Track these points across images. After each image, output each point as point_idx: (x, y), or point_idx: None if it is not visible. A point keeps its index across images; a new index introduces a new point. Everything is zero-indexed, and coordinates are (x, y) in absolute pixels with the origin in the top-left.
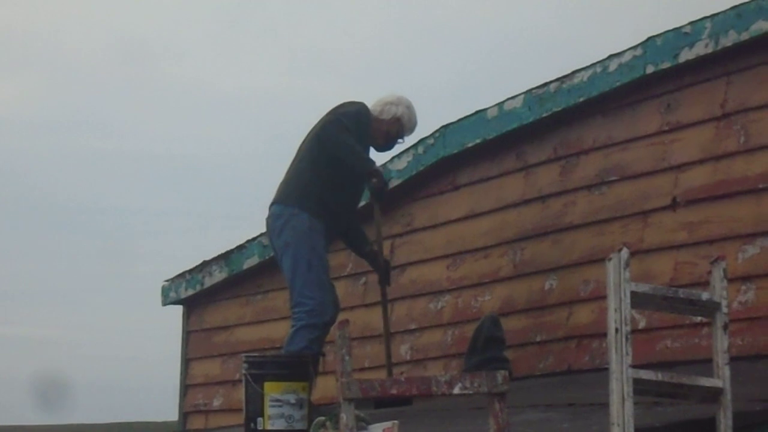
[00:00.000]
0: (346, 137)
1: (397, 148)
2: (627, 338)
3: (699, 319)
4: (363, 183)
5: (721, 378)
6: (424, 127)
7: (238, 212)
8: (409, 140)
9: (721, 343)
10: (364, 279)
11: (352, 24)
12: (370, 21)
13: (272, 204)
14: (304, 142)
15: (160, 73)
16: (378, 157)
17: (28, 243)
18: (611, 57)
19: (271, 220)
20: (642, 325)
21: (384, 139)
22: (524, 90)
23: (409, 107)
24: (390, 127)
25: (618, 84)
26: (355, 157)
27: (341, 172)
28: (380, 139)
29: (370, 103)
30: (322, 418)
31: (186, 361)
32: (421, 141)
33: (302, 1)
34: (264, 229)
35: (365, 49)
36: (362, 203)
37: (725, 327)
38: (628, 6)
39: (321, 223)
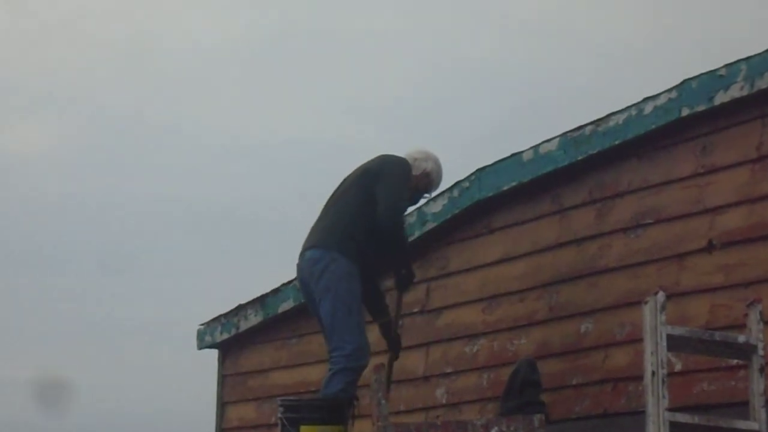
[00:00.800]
0: (402, 227)
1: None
2: (663, 381)
3: (735, 361)
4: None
5: (758, 420)
6: (462, 171)
7: (273, 256)
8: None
9: (757, 386)
10: (400, 323)
11: (384, 70)
12: (401, 66)
13: (309, 248)
14: (343, 186)
15: (196, 118)
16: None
17: (57, 286)
18: (646, 100)
19: (309, 264)
20: (678, 367)
21: (411, 194)
22: (560, 133)
23: (437, 162)
24: (419, 182)
25: (653, 127)
26: (401, 248)
27: (390, 247)
28: (409, 194)
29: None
30: None
31: (222, 405)
32: (457, 184)
33: (330, 47)
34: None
35: (397, 96)
36: None
37: (762, 369)
38: (664, 49)
39: (358, 268)
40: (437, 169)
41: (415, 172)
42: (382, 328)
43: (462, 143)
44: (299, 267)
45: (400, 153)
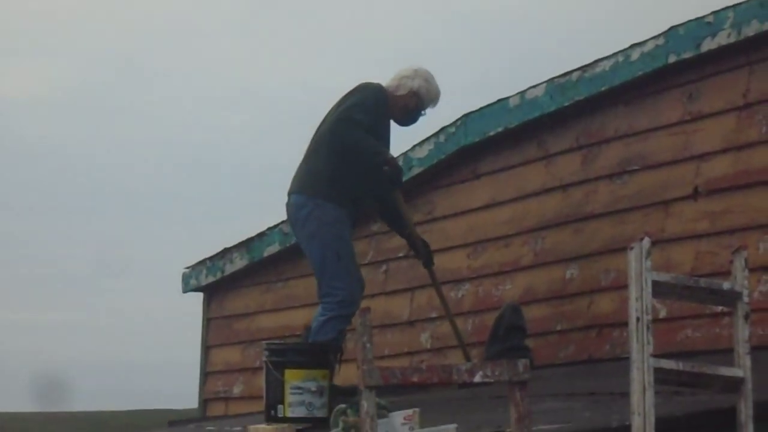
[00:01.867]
0: (355, 134)
1: (420, 131)
2: (648, 327)
3: (720, 308)
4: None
5: (742, 367)
6: (447, 116)
7: (259, 199)
8: (400, 134)
9: (742, 333)
10: (384, 267)
11: (378, 10)
12: (395, 9)
13: (293, 193)
14: (319, 129)
15: (187, 58)
16: (397, 142)
17: (42, 227)
18: (633, 46)
19: (294, 209)
20: (663, 314)
21: (403, 115)
22: (546, 79)
23: (427, 79)
24: (408, 101)
25: (640, 73)
26: (366, 154)
27: (360, 160)
28: (399, 115)
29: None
30: (343, 405)
31: (206, 349)
32: (443, 129)
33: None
34: (284, 217)
35: (389, 38)
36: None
37: (746, 316)
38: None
39: (345, 212)
40: (426, 86)
41: (402, 91)
42: (408, 243)
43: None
44: (286, 209)
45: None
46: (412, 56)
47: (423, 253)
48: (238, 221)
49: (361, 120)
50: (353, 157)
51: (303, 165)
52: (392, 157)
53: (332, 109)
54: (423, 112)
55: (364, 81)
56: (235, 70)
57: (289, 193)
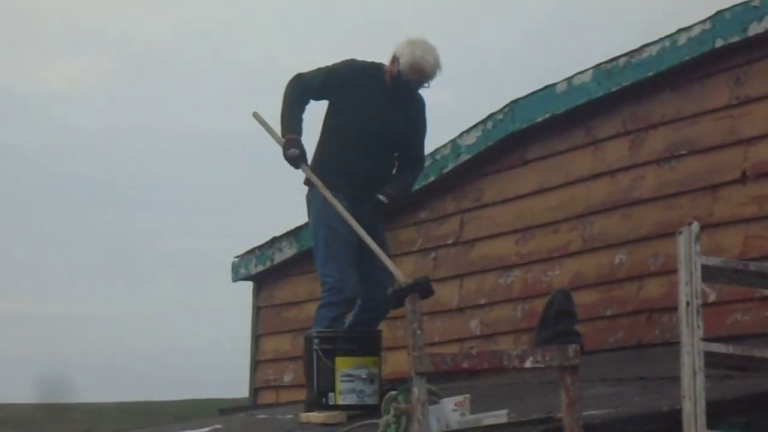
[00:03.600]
0: (285, 94)
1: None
2: (698, 311)
3: None
4: (390, 142)
5: None
6: (494, 103)
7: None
8: (449, 121)
9: None
10: (433, 254)
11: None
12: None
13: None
14: None
15: (230, 53)
16: (446, 130)
17: (93, 221)
18: (680, 31)
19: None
20: (712, 298)
21: (391, 82)
22: (593, 65)
23: (410, 44)
24: (392, 67)
25: (687, 58)
26: (281, 116)
27: (356, 138)
28: (390, 83)
29: None
30: (394, 392)
31: (256, 337)
32: (491, 116)
33: None
34: None
35: (427, 21)
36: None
37: None
38: None
39: (342, 196)
40: (406, 51)
41: (403, 67)
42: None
43: (494, 70)
44: None
45: None
46: (460, 50)
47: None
48: (286, 210)
49: (303, 76)
50: (345, 127)
51: None
52: (291, 137)
53: None
54: (408, 78)
55: None
56: (281, 59)
57: None
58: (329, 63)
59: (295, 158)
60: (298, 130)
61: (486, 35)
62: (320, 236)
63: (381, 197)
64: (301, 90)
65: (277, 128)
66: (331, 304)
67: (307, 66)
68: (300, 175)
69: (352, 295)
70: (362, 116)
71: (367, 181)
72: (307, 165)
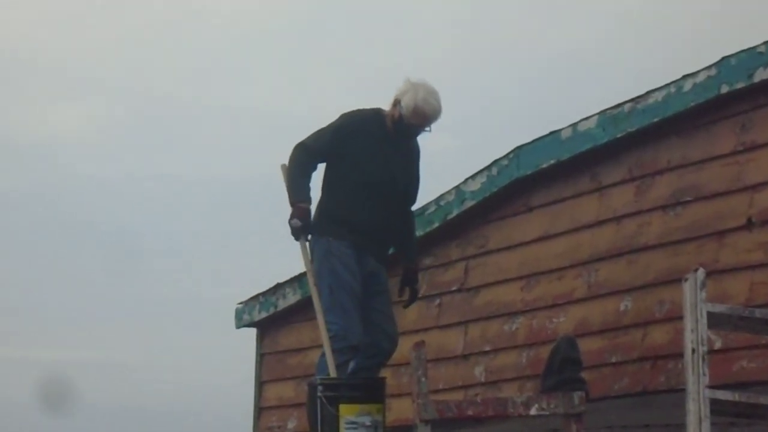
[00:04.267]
0: (292, 162)
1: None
2: (704, 359)
3: None
4: (398, 194)
5: None
6: (499, 150)
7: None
8: (453, 167)
9: None
10: (438, 301)
11: (418, 44)
12: (437, 40)
13: None
14: None
15: (233, 100)
16: (451, 177)
17: (94, 267)
18: (685, 77)
19: None
20: (718, 345)
21: (393, 126)
22: (598, 111)
23: (414, 89)
24: (393, 111)
25: (692, 104)
26: (287, 185)
27: (361, 187)
28: (391, 128)
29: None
30: None
31: (260, 384)
32: (495, 162)
33: (367, 23)
34: None
35: (433, 69)
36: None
37: None
38: (700, 30)
39: (346, 244)
40: (409, 95)
41: (406, 111)
42: (405, 273)
43: (498, 117)
44: None
45: None
46: (462, 92)
47: (413, 293)
48: (290, 257)
49: (308, 144)
50: (350, 179)
51: None
52: (301, 207)
53: None
54: (409, 123)
55: None
56: (281, 105)
57: None
58: (328, 121)
59: (297, 230)
60: (308, 198)
61: (488, 80)
62: (324, 282)
63: (412, 275)
64: (307, 158)
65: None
66: (335, 352)
67: (315, 112)
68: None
69: (357, 342)
70: (367, 166)
71: (373, 229)
72: (306, 240)
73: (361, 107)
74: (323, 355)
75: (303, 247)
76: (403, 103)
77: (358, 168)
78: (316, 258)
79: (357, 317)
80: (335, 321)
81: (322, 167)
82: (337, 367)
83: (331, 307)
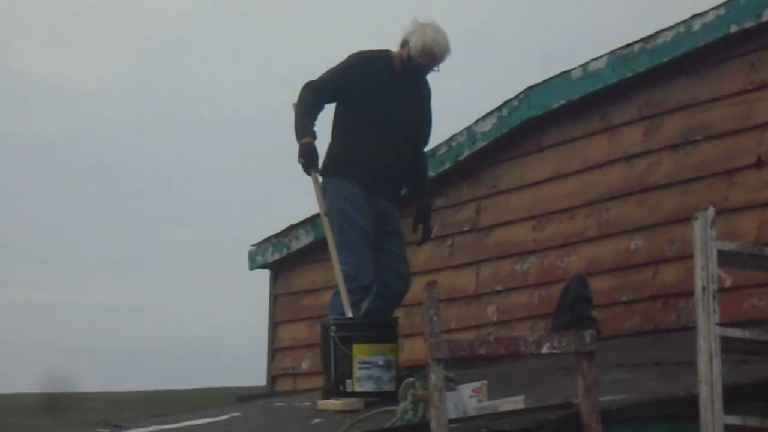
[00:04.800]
0: (299, 100)
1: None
2: (714, 296)
3: None
4: (408, 134)
5: None
6: (510, 90)
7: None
8: (465, 107)
9: None
10: (450, 241)
11: None
12: None
13: None
14: None
15: (240, 38)
16: (462, 116)
17: (112, 211)
18: (694, 17)
19: None
20: (728, 283)
21: (401, 66)
22: (608, 51)
23: (422, 28)
24: (402, 51)
25: (701, 44)
26: (294, 124)
27: (370, 128)
28: (400, 68)
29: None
30: (411, 378)
31: (274, 325)
32: (506, 103)
33: None
34: None
35: (449, 12)
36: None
37: None
38: None
39: (353, 184)
40: (417, 35)
41: (414, 51)
42: (419, 211)
43: (510, 59)
44: None
45: None
46: (471, 33)
47: (427, 231)
48: (302, 198)
49: (315, 84)
50: (360, 120)
51: None
52: (306, 142)
53: None
54: (418, 62)
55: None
56: (288, 50)
57: None
58: (335, 63)
59: (304, 167)
60: (312, 133)
61: (497, 20)
62: (336, 223)
63: (425, 213)
64: (314, 96)
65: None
66: (349, 291)
67: (324, 54)
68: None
69: (368, 282)
70: (375, 106)
71: (383, 170)
72: (317, 172)
73: (369, 48)
74: (336, 294)
75: (315, 182)
76: (411, 43)
77: (367, 108)
78: (330, 199)
79: (368, 257)
80: (346, 261)
81: (331, 108)
82: (351, 305)
83: (342, 247)
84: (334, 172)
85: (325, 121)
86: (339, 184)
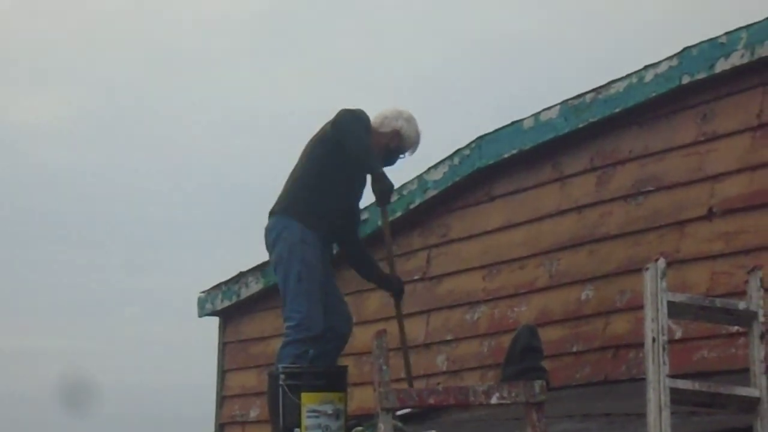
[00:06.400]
0: (358, 128)
1: (407, 163)
2: (664, 348)
3: (736, 328)
4: (360, 190)
5: (758, 387)
6: (462, 140)
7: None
8: (415, 156)
9: (758, 353)
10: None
11: (378, 36)
12: (398, 34)
13: (269, 216)
14: (304, 150)
15: (192, 86)
16: (412, 165)
17: (58, 256)
18: (647, 67)
19: (266, 233)
20: (679, 335)
21: (382, 152)
22: (560, 101)
23: (409, 120)
24: (389, 141)
25: (654, 95)
26: (364, 150)
27: (336, 177)
28: (378, 152)
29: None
30: (360, 428)
31: (222, 373)
32: (458, 152)
33: (328, 15)
34: None
35: (395, 62)
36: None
37: (762, 336)
38: (664, 19)
39: (314, 233)
40: (408, 127)
41: (385, 129)
42: (379, 283)
43: (463, 109)
44: (264, 235)
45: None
46: (423, 82)
47: (397, 290)
48: (252, 246)
49: (362, 120)
50: (349, 150)
51: (282, 190)
52: (383, 173)
53: (314, 134)
54: (402, 155)
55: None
56: (243, 96)
57: (268, 216)
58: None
59: (387, 196)
60: None
61: (447, 68)
62: (293, 270)
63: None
64: (366, 124)
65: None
66: (297, 342)
67: (283, 105)
68: (261, 209)
69: (319, 333)
70: (352, 170)
71: (338, 224)
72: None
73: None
74: (285, 344)
75: (386, 211)
76: (404, 136)
77: (347, 168)
78: (286, 243)
79: (321, 309)
80: (300, 310)
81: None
82: (298, 356)
83: (297, 296)
84: (297, 216)
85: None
86: (302, 230)
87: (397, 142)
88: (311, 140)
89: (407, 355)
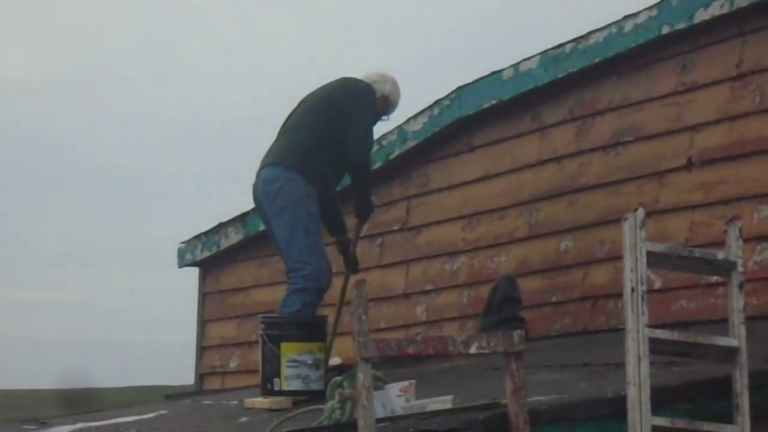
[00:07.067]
0: (369, 158)
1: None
2: (643, 298)
3: (714, 278)
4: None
5: (737, 337)
6: (441, 89)
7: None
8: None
9: (736, 303)
10: (380, 240)
11: None
12: None
13: (266, 166)
14: (303, 107)
15: (171, 34)
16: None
17: (40, 205)
18: (626, 18)
19: (265, 183)
20: (658, 285)
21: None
22: (540, 51)
23: (394, 84)
24: (378, 105)
25: (633, 45)
26: (368, 183)
27: (335, 146)
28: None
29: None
30: (339, 378)
31: (202, 323)
32: (437, 102)
33: None
34: None
35: (376, 11)
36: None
37: (741, 286)
38: None
39: (314, 190)
40: (394, 91)
41: (391, 107)
42: (339, 245)
43: (440, 59)
44: (255, 186)
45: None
46: (405, 35)
47: (352, 266)
48: (233, 196)
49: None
50: (352, 173)
51: (279, 140)
52: (372, 200)
53: (319, 94)
54: (386, 117)
55: (351, 78)
56: (230, 48)
57: (261, 169)
58: None
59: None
60: None
61: (431, 20)
62: (302, 222)
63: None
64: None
65: None
66: (306, 291)
67: (269, 62)
68: (250, 160)
69: (327, 285)
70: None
71: (329, 188)
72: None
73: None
74: (292, 292)
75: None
76: (390, 100)
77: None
78: (292, 196)
79: (328, 261)
80: (310, 261)
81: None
82: (306, 304)
83: (307, 248)
84: (303, 172)
85: None
86: (306, 185)
87: (384, 105)
88: (317, 99)
89: (338, 317)
